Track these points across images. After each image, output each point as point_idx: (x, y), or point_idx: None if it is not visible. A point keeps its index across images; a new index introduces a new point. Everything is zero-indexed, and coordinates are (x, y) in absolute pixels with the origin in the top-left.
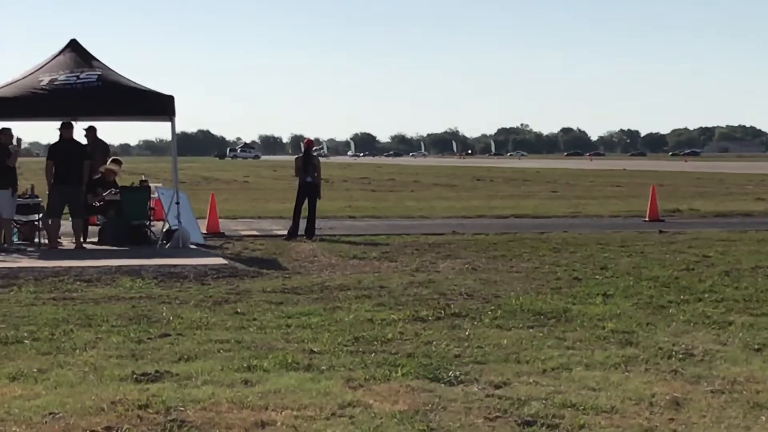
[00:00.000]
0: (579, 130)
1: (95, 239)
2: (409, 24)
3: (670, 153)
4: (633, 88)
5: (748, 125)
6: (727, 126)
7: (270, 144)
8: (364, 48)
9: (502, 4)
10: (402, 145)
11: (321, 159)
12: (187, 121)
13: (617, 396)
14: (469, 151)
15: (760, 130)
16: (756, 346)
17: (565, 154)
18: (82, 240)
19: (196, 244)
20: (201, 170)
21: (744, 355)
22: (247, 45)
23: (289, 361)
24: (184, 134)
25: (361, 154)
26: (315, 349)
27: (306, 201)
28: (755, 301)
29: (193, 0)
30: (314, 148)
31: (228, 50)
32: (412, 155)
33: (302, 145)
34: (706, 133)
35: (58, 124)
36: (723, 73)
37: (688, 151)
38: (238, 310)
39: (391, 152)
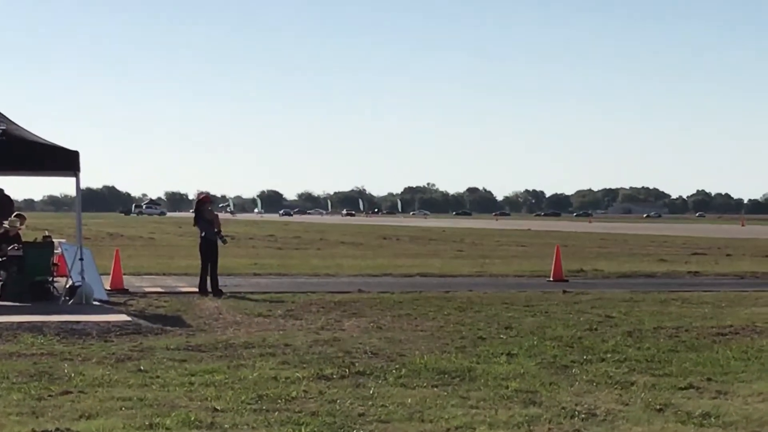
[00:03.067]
0: (485, 189)
1: None
2: (314, 80)
3: (542, 214)
4: (539, 148)
5: (651, 187)
6: (631, 187)
7: (176, 200)
8: (270, 104)
9: (409, 63)
10: (309, 202)
11: (230, 216)
12: (92, 176)
13: None
14: (375, 210)
15: (663, 192)
16: (658, 407)
17: (454, 213)
18: None
19: (100, 301)
20: (106, 226)
21: (646, 416)
22: (152, 100)
23: (192, 419)
24: (89, 190)
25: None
26: (218, 408)
27: (205, 257)
28: (657, 361)
29: (98, 54)
30: (220, 205)
31: (133, 105)
32: (305, 212)
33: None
34: (610, 194)
35: None
36: (627, 135)
37: (550, 211)
38: (141, 368)
39: (297, 209)
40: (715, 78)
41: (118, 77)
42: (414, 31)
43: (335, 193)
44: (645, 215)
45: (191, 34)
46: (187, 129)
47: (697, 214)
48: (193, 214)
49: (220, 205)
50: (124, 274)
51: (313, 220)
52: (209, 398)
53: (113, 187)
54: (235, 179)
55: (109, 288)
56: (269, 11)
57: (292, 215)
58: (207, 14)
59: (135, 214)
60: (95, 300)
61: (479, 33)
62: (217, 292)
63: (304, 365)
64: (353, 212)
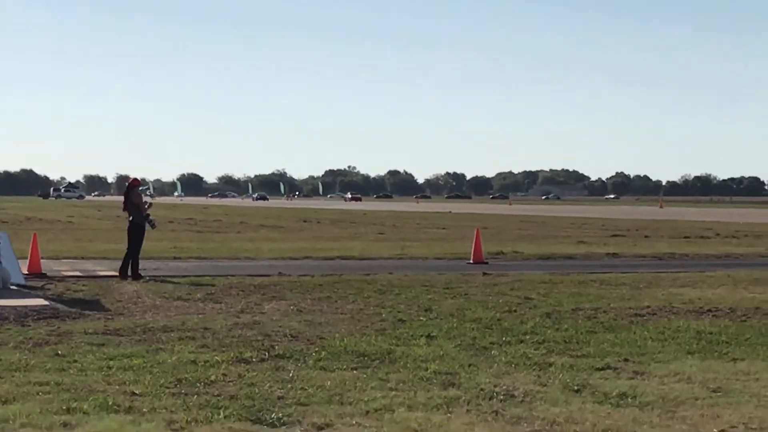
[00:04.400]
0: (406, 172)
1: None
2: (233, 64)
3: (446, 196)
4: (460, 131)
5: (571, 169)
6: (551, 170)
7: (95, 184)
8: (189, 88)
9: (325, 47)
10: (230, 186)
11: (149, 200)
12: (10, 159)
13: None
14: (296, 193)
15: (583, 174)
16: (575, 387)
17: (375, 196)
18: None
19: (17, 285)
20: (23, 210)
21: (564, 396)
22: (69, 82)
23: (110, 403)
24: (6, 173)
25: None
26: (136, 391)
27: (132, 241)
28: (575, 342)
29: (13, 36)
30: (140, 188)
31: (50, 88)
32: (210, 196)
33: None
34: (530, 176)
35: None
36: (547, 118)
37: (453, 194)
38: (59, 352)
39: (217, 193)
40: (631, 62)
41: (35, 59)
42: (328, 16)
43: (256, 176)
44: (543, 197)
45: (107, 14)
46: (105, 111)
47: (607, 197)
48: (100, 196)
49: (140, 189)
50: (42, 258)
51: (234, 204)
52: (127, 382)
53: (31, 171)
54: (154, 162)
55: (26, 272)
56: None
57: (267, 199)
58: None
59: (53, 198)
60: (12, 284)
61: (393, 17)
62: (137, 276)
63: (224, 349)
64: (359, 196)
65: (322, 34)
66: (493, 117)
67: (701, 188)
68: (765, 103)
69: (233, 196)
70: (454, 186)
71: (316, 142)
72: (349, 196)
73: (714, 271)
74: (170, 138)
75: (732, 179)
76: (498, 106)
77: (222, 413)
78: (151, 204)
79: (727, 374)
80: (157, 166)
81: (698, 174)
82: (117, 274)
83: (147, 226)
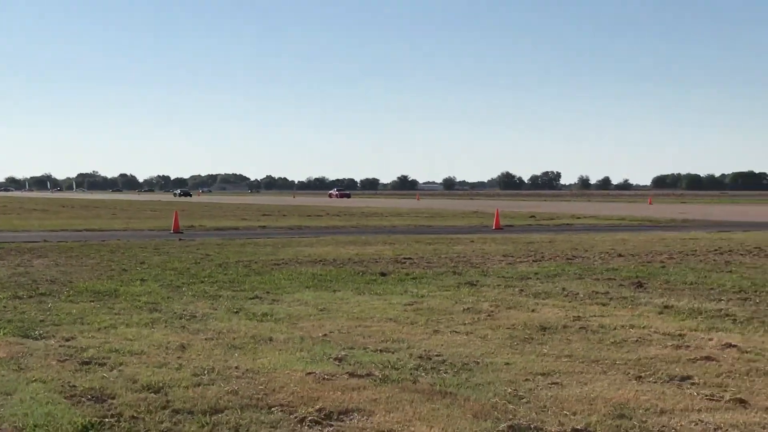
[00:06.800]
0: (131, 174)
1: None
2: (15, 75)
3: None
4: (170, 141)
5: (238, 173)
6: (225, 173)
7: None
8: None
9: (90, 58)
10: (13, 184)
11: None
12: None
13: (145, 344)
14: (58, 188)
15: (245, 176)
16: (235, 310)
17: (111, 191)
18: None
19: None
20: None
21: (227, 316)
22: None
23: None
24: None
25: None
26: None
27: None
28: (237, 282)
29: None
30: None
31: None
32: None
33: None
34: (213, 178)
35: None
36: (227, 132)
37: (146, 189)
38: None
39: (2, 188)
40: (269, 81)
41: None
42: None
43: (31, 177)
44: (201, 191)
45: None
46: None
47: (250, 191)
48: None
49: None
50: None
51: (17, 195)
52: None
53: None
54: None
55: None
56: None
57: (191, 195)
58: None
59: None
60: None
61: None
62: None
63: (4, 290)
64: (348, 193)
65: (79, 51)
66: (191, 130)
67: (320, 185)
68: (363, 124)
69: (12, 190)
70: (164, 184)
71: (72, 149)
72: (336, 192)
73: (325, 236)
74: None
75: (342, 179)
76: (193, 121)
77: (1, 332)
78: None
79: (330, 300)
80: None
81: (317, 176)
82: None
83: None
